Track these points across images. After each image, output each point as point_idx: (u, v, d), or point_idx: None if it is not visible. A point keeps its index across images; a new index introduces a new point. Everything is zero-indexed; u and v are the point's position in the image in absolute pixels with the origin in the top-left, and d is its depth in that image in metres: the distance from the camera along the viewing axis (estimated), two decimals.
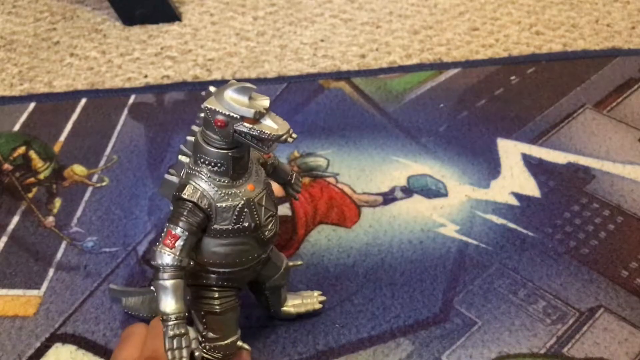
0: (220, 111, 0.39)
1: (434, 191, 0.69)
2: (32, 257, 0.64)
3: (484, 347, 0.55)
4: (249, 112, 0.39)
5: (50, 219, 0.68)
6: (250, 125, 0.39)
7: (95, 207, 0.69)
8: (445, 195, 0.69)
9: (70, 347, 0.56)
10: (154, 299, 0.54)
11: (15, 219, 0.68)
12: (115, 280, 0.61)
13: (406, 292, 0.59)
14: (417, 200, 0.68)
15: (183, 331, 0.42)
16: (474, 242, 0.64)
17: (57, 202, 0.70)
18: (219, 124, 0.40)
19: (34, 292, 0.61)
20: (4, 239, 0.66)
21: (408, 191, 0.70)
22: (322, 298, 0.58)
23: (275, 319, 0.57)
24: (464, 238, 0.64)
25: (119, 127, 0.80)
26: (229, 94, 0.40)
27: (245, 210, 0.44)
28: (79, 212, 0.69)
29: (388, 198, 0.69)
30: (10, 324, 0.58)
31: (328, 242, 0.64)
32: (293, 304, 0.56)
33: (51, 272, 0.63)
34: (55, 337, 0.57)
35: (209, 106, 0.40)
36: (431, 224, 0.66)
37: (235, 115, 0.39)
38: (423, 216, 0.67)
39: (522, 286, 0.60)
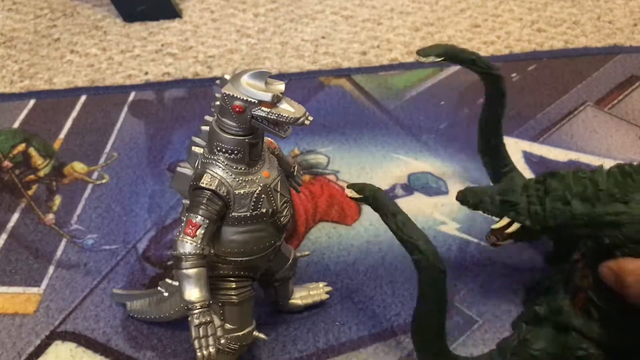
0: (238, 97, 0.40)
1: (434, 189, 0.69)
2: (32, 255, 0.64)
3: (485, 346, 0.54)
4: (267, 96, 0.39)
5: (50, 216, 0.68)
6: (268, 110, 0.40)
7: (95, 205, 0.69)
8: (446, 192, 0.69)
9: (70, 345, 0.56)
10: (161, 300, 0.54)
11: (15, 217, 0.68)
12: (115, 278, 0.61)
13: (407, 290, 0.59)
14: (417, 197, 0.68)
15: (208, 319, 0.43)
16: (475, 240, 0.64)
17: (57, 200, 0.70)
18: (237, 109, 0.40)
19: (34, 289, 0.61)
20: (4, 236, 0.66)
21: (409, 189, 0.69)
22: (328, 289, 0.58)
23: (282, 313, 0.57)
24: (465, 236, 0.64)
25: (119, 124, 0.80)
26: (246, 80, 0.40)
27: (263, 196, 0.44)
28: (79, 210, 0.69)
29: (389, 195, 0.69)
30: (10, 321, 0.58)
31: (328, 239, 0.64)
32: (300, 296, 0.57)
33: (51, 269, 0.63)
34: (55, 335, 0.57)
35: (227, 92, 0.40)
36: (432, 221, 0.66)
37: (253, 100, 0.40)
38: (424, 214, 0.66)
39: (524, 285, 0.59)
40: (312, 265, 0.62)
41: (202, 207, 0.42)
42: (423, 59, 0.51)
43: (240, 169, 0.43)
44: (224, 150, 0.43)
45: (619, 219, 0.41)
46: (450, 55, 0.51)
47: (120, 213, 0.68)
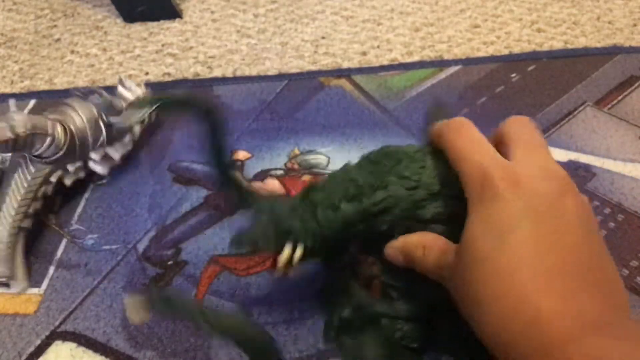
0: None
1: None
2: (32, 255, 0.64)
3: None
4: None
5: (51, 216, 0.68)
6: None
7: (95, 205, 0.69)
8: None
9: (71, 345, 0.56)
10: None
11: None
12: (115, 278, 0.61)
13: None
14: None
15: None
16: None
17: (58, 200, 0.70)
18: None
19: (35, 290, 0.61)
20: None
21: None
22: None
23: (281, 312, 0.57)
24: None
25: None
26: None
27: None
28: (79, 210, 0.69)
29: None
30: (10, 321, 0.58)
31: None
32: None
33: (52, 270, 0.63)
34: (56, 335, 0.57)
35: None
36: None
37: None
38: None
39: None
40: (312, 265, 0.62)
41: None
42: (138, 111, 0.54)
43: None
44: None
45: (385, 205, 0.44)
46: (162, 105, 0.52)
47: (120, 213, 0.68)
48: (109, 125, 0.66)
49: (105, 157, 0.68)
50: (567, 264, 0.34)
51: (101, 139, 0.66)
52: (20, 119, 0.57)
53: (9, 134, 0.55)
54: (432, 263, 0.41)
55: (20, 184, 0.61)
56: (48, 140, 0.60)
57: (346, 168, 0.48)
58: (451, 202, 0.43)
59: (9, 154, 0.65)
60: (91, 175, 0.69)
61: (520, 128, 0.43)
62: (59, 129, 0.61)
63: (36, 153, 0.61)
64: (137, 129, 0.72)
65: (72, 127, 0.63)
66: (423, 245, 0.42)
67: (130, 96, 0.71)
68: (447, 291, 0.41)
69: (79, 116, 0.64)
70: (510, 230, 0.35)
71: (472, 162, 0.39)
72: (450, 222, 0.42)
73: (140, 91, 0.73)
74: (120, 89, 0.72)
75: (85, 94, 0.65)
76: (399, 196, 0.44)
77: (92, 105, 0.65)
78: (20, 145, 0.57)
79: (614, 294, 0.35)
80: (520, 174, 0.38)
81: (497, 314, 0.34)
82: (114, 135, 0.68)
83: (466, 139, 0.42)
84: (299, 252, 0.47)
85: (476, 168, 0.39)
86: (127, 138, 0.70)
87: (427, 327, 0.46)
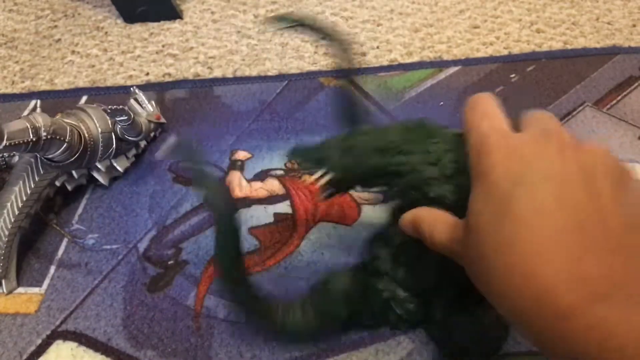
0: None
1: None
2: (33, 255, 0.64)
3: None
4: None
5: (52, 216, 0.68)
6: None
7: (96, 205, 0.69)
8: None
9: (71, 344, 0.56)
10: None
11: None
12: (116, 278, 0.62)
13: None
14: None
15: None
16: None
17: (58, 199, 0.70)
18: None
19: (35, 289, 0.61)
20: None
21: None
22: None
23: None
24: None
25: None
26: None
27: None
28: (80, 210, 0.69)
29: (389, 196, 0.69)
30: (11, 321, 0.58)
31: (328, 240, 0.64)
32: None
33: (52, 269, 0.63)
34: (57, 334, 0.57)
35: None
36: None
37: None
38: None
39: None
40: (311, 265, 0.62)
41: None
42: (274, 26, 0.56)
43: None
44: None
45: (400, 169, 0.46)
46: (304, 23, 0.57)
47: (121, 213, 0.68)
48: (120, 140, 0.67)
49: (109, 168, 0.69)
50: (567, 227, 0.33)
51: (110, 150, 0.66)
52: (43, 123, 0.57)
53: (30, 136, 0.55)
54: (442, 238, 0.41)
55: (27, 185, 0.62)
56: (64, 146, 0.60)
57: (387, 125, 0.50)
58: (462, 191, 0.43)
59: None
60: (92, 180, 0.69)
61: (535, 114, 0.43)
62: (75, 136, 0.61)
63: (49, 156, 0.61)
64: (142, 144, 0.72)
65: (86, 135, 0.63)
66: (433, 219, 0.42)
67: (141, 111, 0.72)
68: (448, 270, 0.41)
69: (95, 126, 0.64)
70: (507, 202, 0.35)
71: (476, 132, 0.40)
72: (454, 208, 0.43)
73: (150, 107, 0.73)
74: (132, 102, 0.72)
75: (113, 111, 0.64)
76: (415, 167, 0.45)
77: (109, 118, 0.65)
78: (37, 147, 0.57)
79: (630, 252, 0.33)
80: (517, 141, 0.37)
81: (507, 289, 0.34)
82: (122, 149, 0.69)
83: (478, 112, 0.42)
84: (327, 177, 0.51)
85: (477, 137, 0.39)
86: (132, 152, 0.71)
87: (425, 303, 0.48)
